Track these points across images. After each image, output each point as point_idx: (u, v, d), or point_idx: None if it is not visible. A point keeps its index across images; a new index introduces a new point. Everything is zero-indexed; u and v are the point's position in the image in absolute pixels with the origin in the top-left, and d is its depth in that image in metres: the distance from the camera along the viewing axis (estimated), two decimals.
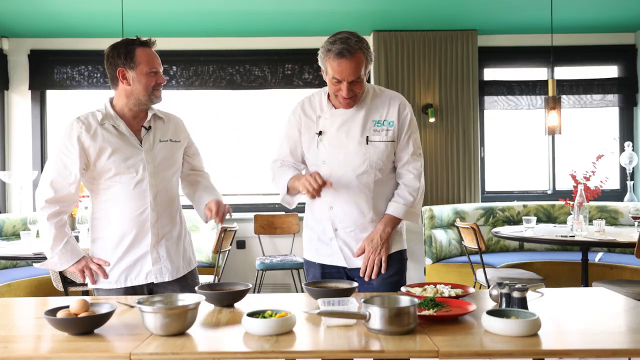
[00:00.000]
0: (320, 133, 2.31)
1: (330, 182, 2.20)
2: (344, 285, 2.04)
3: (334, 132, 2.29)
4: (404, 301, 1.69)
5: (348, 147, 2.28)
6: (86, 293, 3.19)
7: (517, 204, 5.53)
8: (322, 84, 2.43)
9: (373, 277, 2.27)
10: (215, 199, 2.40)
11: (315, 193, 2.18)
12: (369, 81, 2.57)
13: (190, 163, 2.54)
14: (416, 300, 1.67)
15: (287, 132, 2.42)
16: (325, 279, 2.24)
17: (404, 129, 2.32)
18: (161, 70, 2.33)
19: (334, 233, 2.32)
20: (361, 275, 2.28)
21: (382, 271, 2.27)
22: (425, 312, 1.70)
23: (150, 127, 2.32)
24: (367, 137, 2.27)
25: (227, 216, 2.40)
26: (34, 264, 3.52)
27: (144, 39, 2.31)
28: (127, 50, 2.25)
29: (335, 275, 2.34)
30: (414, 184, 2.32)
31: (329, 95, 2.33)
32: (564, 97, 5.82)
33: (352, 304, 1.74)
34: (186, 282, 2.36)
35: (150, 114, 2.33)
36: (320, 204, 2.33)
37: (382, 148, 2.28)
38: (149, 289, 2.31)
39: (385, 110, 2.31)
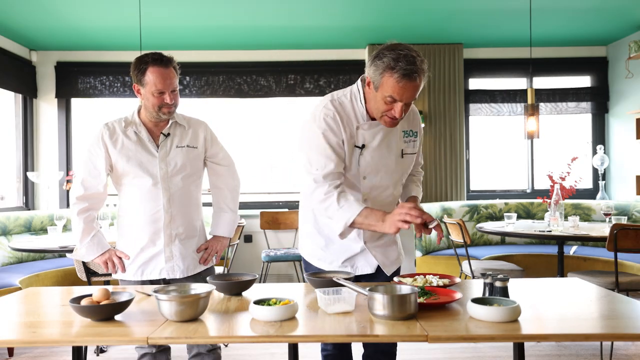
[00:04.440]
0: (362, 146, 1.97)
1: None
2: (341, 276, 2.02)
3: (376, 146, 1.98)
4: (405, 289, 1.65)
5: (389, 162, 2.01)
6: (107, 283, 3.18)
7: (499, 202, 5.53)
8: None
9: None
10: (211, 239, 2.40)
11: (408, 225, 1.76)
12: None
13: (214, 169, 2.42)
14: (416, 289, 1.65)
15: (329, 141, 1.92)
16: (325, 271, 2.12)
17: (420, 139, 2.15)
18: (170, 89, 2.16)
19: (364, 245, 2.09)
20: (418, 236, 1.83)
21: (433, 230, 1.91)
22: None
23: (169, 133, 2.28)
24: (402, 150, 2.03)
25: (214, 260, 2.39)
26: (67, 254, 3.53)
27: (159, 55, 2.16)
28: (139, 69, 2.16)
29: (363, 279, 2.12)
30: (421, 178, 2.32)
31: (364, 102, 1.97)
32: (541, 104, 5.82)
33: (347, 293, 1.73)
34: (201, 279, 2.30)
35: (170, 121, 2.28)
36: None
37: (410, 161, 2.08)
38: (165, 284, 2.28)
39: (410, 119, 2.06)
